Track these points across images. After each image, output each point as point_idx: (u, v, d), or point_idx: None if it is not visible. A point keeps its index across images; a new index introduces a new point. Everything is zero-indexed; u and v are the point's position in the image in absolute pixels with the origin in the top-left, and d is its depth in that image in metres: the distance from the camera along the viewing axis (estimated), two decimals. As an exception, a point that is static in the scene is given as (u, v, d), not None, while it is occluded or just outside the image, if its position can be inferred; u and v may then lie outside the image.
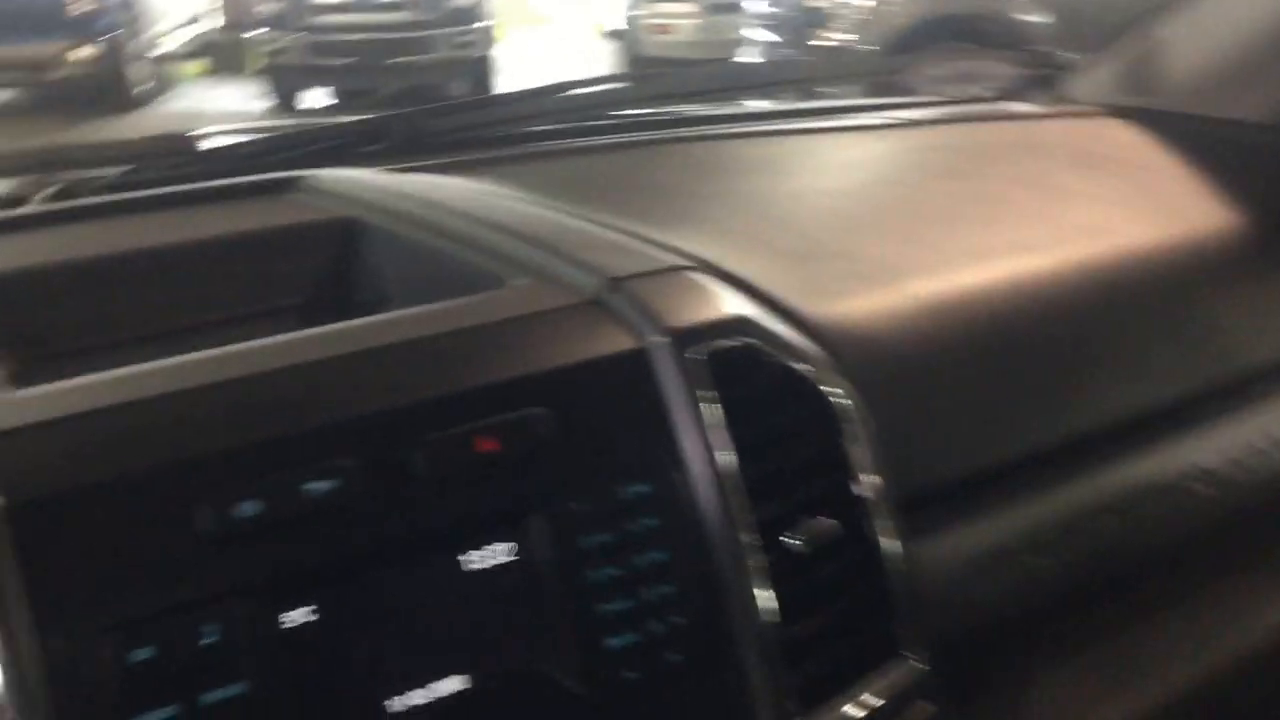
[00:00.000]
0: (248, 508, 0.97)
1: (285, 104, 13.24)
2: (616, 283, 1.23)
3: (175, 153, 1.90)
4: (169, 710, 0.93)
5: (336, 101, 13.38)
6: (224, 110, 13.55)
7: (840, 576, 1.22)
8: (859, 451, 1.25)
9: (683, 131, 2.10)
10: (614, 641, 1.09)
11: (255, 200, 1.61)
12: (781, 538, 1.17)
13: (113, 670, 0.91)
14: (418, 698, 1.04)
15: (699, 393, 1.16)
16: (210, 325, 1.41)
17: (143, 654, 0.92)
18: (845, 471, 1.24)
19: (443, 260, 1.40)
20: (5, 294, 1.31)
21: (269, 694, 0.96)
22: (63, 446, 0.97)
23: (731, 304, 1.26)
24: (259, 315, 1.44)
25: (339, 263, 1.50)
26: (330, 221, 1.53)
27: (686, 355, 1.17)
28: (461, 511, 1.06)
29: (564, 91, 2.08)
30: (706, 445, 1.15)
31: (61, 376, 1.06)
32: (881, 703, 1.19)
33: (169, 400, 1.03)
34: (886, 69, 2.86)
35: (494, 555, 1.08)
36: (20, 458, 0.95)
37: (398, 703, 1.03)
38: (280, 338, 1.16)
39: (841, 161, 2.07)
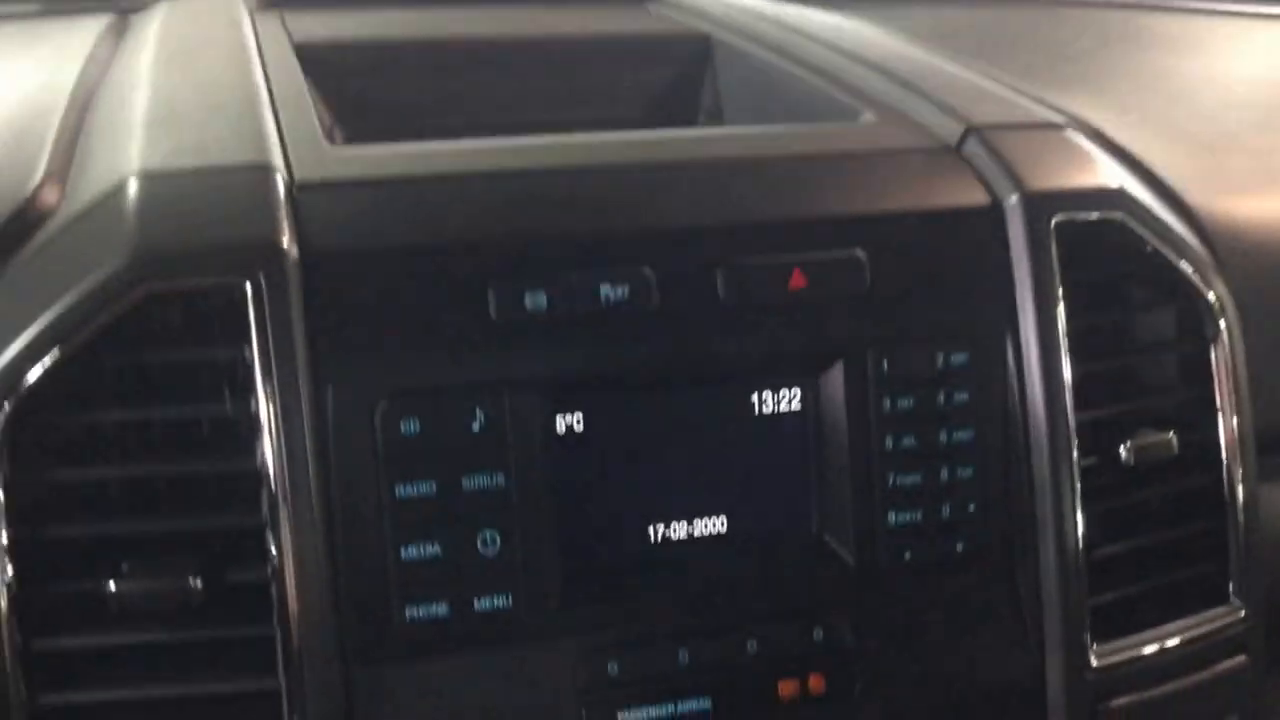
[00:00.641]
0: (539, 299, 0.93)
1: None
2: (978, 131, 1.09)
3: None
4: (428, 486, 0.91)
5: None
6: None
7: (1171, 502, 1.07)
8: (1224, 370, 1.07)
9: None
10: (898, 517, 0.99)
11: (615, 6, 1.56)
12: (1110, 446, 1.03)
13: (381, 438, 0.90)
14: (678, 531, 0.99)
15: (1050, 266, 1.02)
16: (545, 126, 1.38)
17: (412, 426, 0.90)
18: (1203, 389, 1.07)
19: (795, 87, 1.30)
20: (352, 60, 1.32)
21: (528, 492, 0.93)
22: (366, 206, 0.95)
23: (1108, 173, 1.10)
24: (601, 123, 1.40)
25: (689, 78, 1.43)
26: (687, 34, 1.45)
27: (1044, 221, 1.02)
28: (759, 346, 0.98)
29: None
30: (1045, 326, 1.01)
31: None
32: (1194, 649, 1.05)
33: (481, 179, 1.00)
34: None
35: (785, 400, 1.00)
36: (322, 211, 0.94)
37: (655, 532, 0.98)
38: (613, 135, 1.10)
39: (1267, 50, 1.80)
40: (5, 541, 0.85)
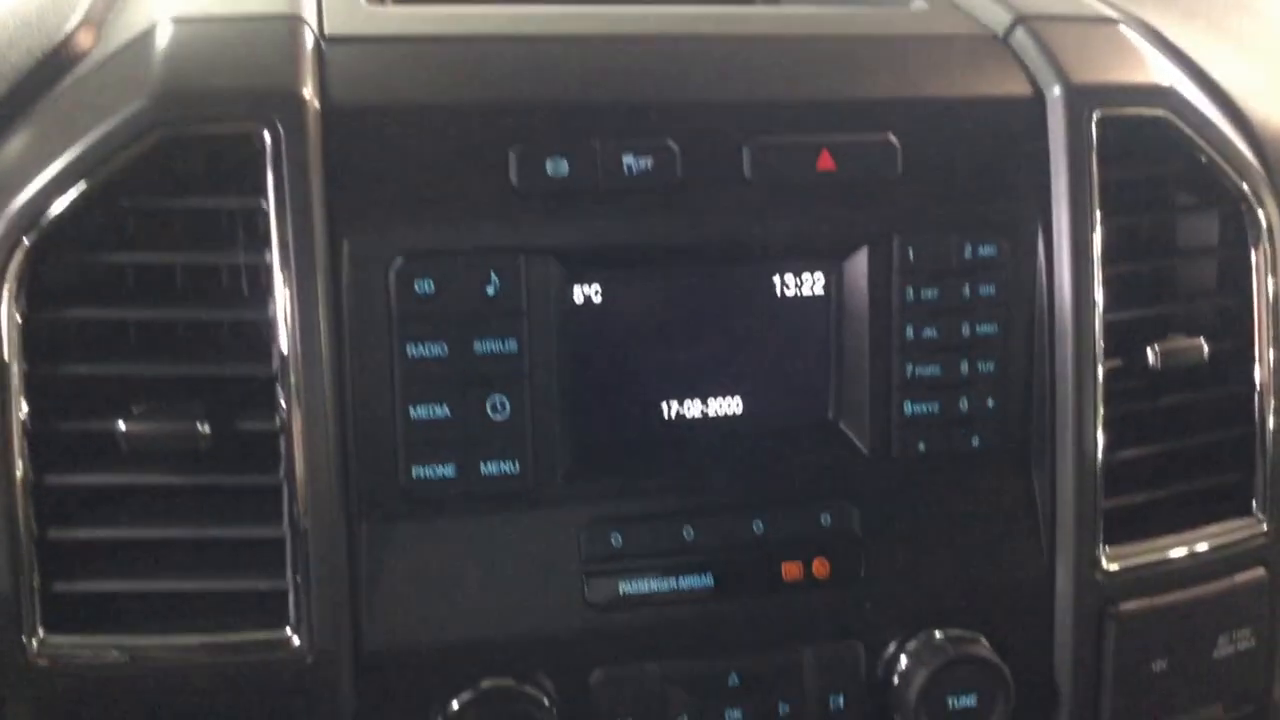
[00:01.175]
0: (560, 166, 0.92)
1: None
2: (1026, 21, 1.05)
3: None
4: (440, 347, 0.91)
5: None
6: None
7: (1197, 410, 1.04)
8: (1264, 280, 1.04)
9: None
10: (914, 407, 0.98)
11: None
12: (1137, 349, 1.00)
13: (394, 296, 0.90)
14: (691, 410, 0.98)
15: (1089, 161, 0.99)
16: None
17: (426, 286, 0.90)
18: (1240, 297, 1.04)
19: None
20: None
21: (541, 361, 0.93)
22: (393, 62, 0.94)
23: (1159, 71, 1.06)
24: None
25: None
26: None
27: (1086, 115, 0.99)
28: (783, 227, 0.96)
29: None
30: (1079, 223, 0.98)
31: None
32: (1211, 559, 1.03)
33: (510, 42, 0.98)
34: None
35: (807, 284, 0.98)
36: (348, 65, 0.93)
37: (668, 409, 0.98)
38: (650, 8, 1.07)
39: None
40: (21, 377, 0.86)
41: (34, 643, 0.87)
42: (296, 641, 0.89)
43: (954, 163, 0.98)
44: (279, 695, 0.90)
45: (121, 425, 0.87)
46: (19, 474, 0.86)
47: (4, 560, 0.87)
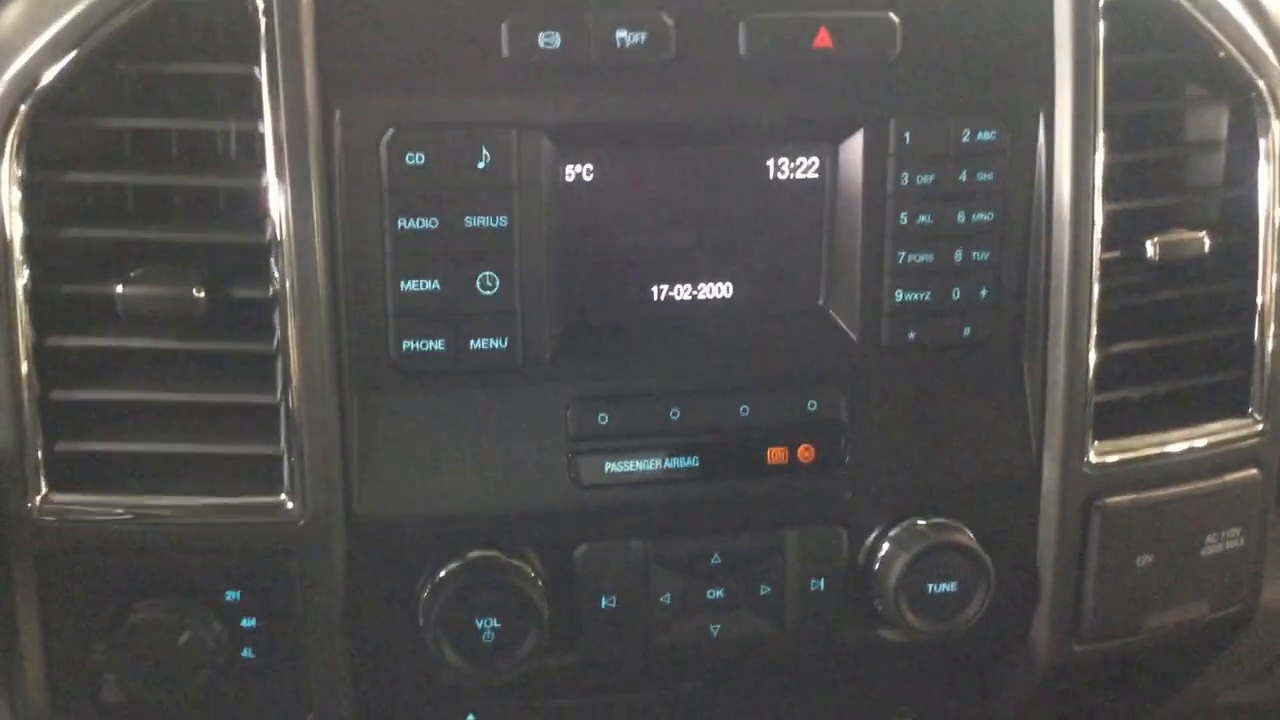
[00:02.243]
0: (552, 39, 0.91)
1: None
2: None
3: None
4: (431, 221, 0.91)
5: None
6: None
7: (1196, 305, 1.03)
8: (1270, 175, 1.02)
9: None
10: (905, 295, 0.98)
11: None
12: (1137, 241, 0.99)
13: (386, 168, 0.90)
14: (681, 293, 0.99)
15: (1094, 45, 0.96)
16: None
17: (417, 158, 0.91)
18: (1245, 191, 1.03)
19: None
20: None
21: (531, 238, 0.93)
22: None
23: None
24: None
25: None
26: None
27: None
28: (778, 107, 0.95)
29: None
30: (1081, 109, 0.96)
31: None
32: (1202, 456, 1.03)
33: None
34: None
35: (801, 167, 0.97)
36: None
37: (658, 291, 0.98)
38: None
39: None
40: (22, 240, 0.88)
41: (37, 500, 0.90)
42: (290, 506, 0.92)
43: (955, 44, 0.96)
44: (275, 557, 0.93)
45: (119, 289, 0.89)
46: (21, 336, 0.89)
47: (7, 420, 0.90)
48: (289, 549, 0.93)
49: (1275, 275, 1.02)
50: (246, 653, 0.94)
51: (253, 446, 0.92)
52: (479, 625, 0.93)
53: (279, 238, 0.89)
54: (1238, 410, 1.05)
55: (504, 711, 1.07)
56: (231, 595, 0.93)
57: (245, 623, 0.93)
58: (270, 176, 0.89)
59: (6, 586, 0.93)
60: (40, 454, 0.90)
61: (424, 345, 0.93)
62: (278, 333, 0.90)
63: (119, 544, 0.92)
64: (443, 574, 0.94)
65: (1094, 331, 0.98)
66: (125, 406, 0.93)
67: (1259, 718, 1.32)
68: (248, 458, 0.93)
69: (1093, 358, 0.99)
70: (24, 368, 0.89)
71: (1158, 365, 1.03)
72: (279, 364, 0.91)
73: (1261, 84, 1.00)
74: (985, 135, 0.96)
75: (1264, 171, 1.01)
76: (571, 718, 1.09)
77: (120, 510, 0.91)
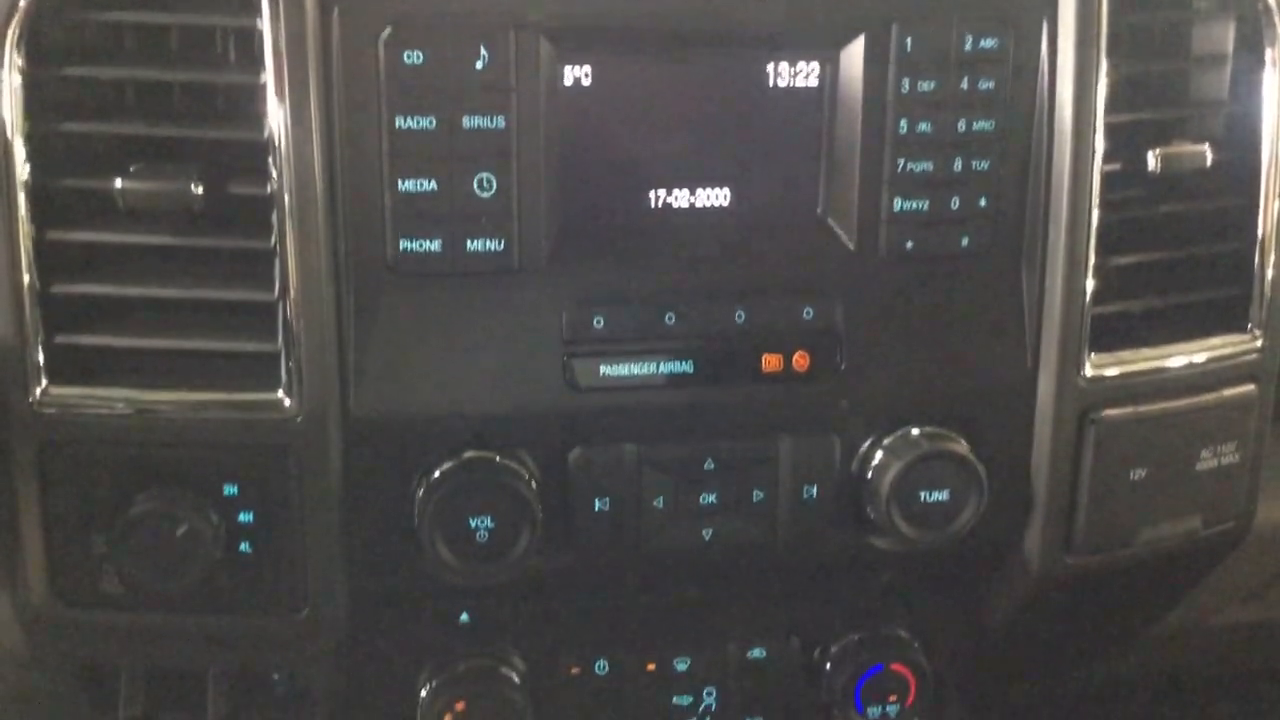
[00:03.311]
0: None
1: None
2: None
3: None
4: (428, 121, 0.92)
5: None
6: None
7: (1197, 219, 1.03)
8: (1276, 89, 1.01)
9: None
10: (904, 204, 0.97)
11: None
12: (1139, 153, 0.98)
13: (383, 66, 0.90)
14: (678, 199, 0.98)
15: None
16: None
17: (415, 57, 0.90)
18: (1249, 105, 1.02)
19: None
20: None
21: (529, 140, 0.93)
22: None
23: None
24: None
25: None
26: None
27: None
28: (779, 11, 0.95)
29: None
30: (1086, 16, 0.95)
31: None
32: (1199, 371, 1.03)
33: None
34: None
35: (802, 73, 0.97)
36: None
37: (655, 197, 0.98)
38: None
39: None
40: (23, 134, 0.88)
41: (38, 392, 0.92)
42: (287, 403, 0.93)
43: None
44: (272, 453, 0.94)
45: (118, 183, 0.89)
46: (22, 229, 0.90)
47: (9, 313, 0.91)
48: (285, 445, 0.94)
49: (1278, 190, 1.01)
50: (244, 546, 0.95)
51: (251, 344, 0.93)
52: (473, 524, 0.94)
53: (276, 136, 0.89)
54: (1236, 326, 1.04)
55: (497, 613, 1.09)
56: (229, 490, 0.94)
57: (242, 517, 0.94)
58: (269, 74, 0.89)
59: (8, 479, 0.95)
60: (41, 347, 0.91)
61: (421, 246, 0.94)
62: (275, 230, 0.91)
63: (119, 437, 0.93)
64: (437, 473, 0.95)
65: (1093, 243, 0.98)
66: (125, 303, 0.93)
67: (1251, 639, 1.33)
68: (246, 355, 0.93)
69: (1092, 269, 0.98)
70: (25, 261, 0.90)
71: (1157, 280, 1.02)
72: (277, 262, 0.91)
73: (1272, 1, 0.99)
74: (988, 43, 0.95)
75: (1270, 86, 1.00)
76: (564, 621, 1.10)
77: (121, 404, 0.93)
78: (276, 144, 0.89)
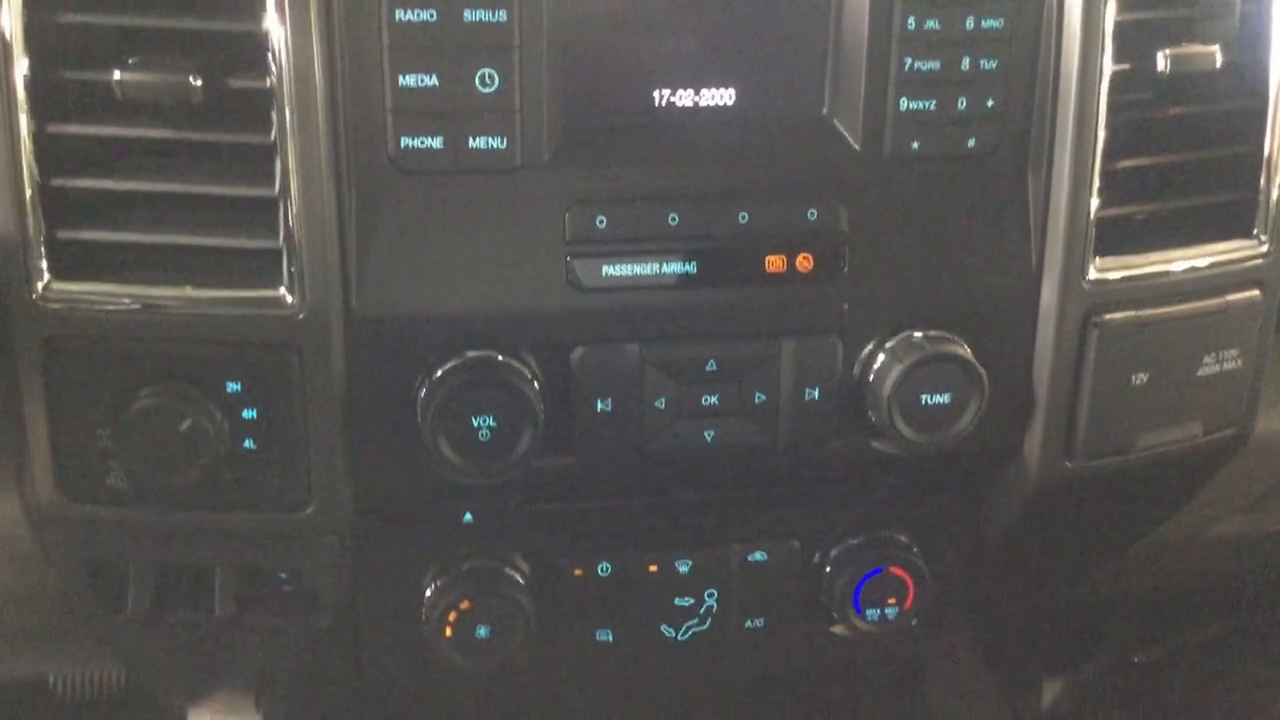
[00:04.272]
0: None
1: None
2: None
3: None
4: (429, 14, 0.91)
5: None
6: None
7: (1205, 122, 1.02)
8: None
9: None
10: (910, 104, 0.97)
11: None
12: (1148, 54, 0.97)
13: None
14: (683, 99, 0.98)
15: None
16: None
17: None
18: (1262, 9, 1.00)
19: None
20: None
21: (532, 35, 0.92)
22: None
23: None
24: None
25: None
26: None
27: None
28: None
29: None
30: None
31: None
32: (1203, 275, 1.02)
33: None
34: None
35: None
36: None
37: (659, 96, 0.98)
38: None
39: None
40: (21, 27, 0.88)
41: (40, 287, 0.92)
42: (289, 300, 0.93)
43: None
44: (275, 350, 0.94)
45: (117, 74, 0.89)
46: (22, 123, 0.89)
47: (10, 208, 0.91)
48: (288, 342, 0.94)
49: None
50: (248, 443, 0.96)
51: (253, 241, 0.93)
52: (475, 423, 0.94)
53: (275, 29, 0.88)
54: (1242, 231, 1.04)
55: (500, 513, 1.09)
56: (233, 387, 0.94)
57: (246, 414, 0.95)
58: None
59: (12, 375, 0.95)
60: (43, 241, 0.91)
61: (422, 142, 0.93)
62: (275, 126, 0.90)
63: (123, 333, 0.93)
64: (440, 372, 0.95)
65: (1100, 145, 0.97)
66: (128, 198, 0.93)
67: (1250, 550, 1.34)
68: (248, 252, 0.93)
69: (1098, 170, 0.97)
70: (25, 155, 0.90)
71: (1164, 184, 1.02)
72: (277, 158, 0.91)
73: None
74: None
75: (1281, -11, 0.99)
76: (567, 524, 1.11)
77: (125, 299, 0.93)
78: (275, 37, 0.89)
